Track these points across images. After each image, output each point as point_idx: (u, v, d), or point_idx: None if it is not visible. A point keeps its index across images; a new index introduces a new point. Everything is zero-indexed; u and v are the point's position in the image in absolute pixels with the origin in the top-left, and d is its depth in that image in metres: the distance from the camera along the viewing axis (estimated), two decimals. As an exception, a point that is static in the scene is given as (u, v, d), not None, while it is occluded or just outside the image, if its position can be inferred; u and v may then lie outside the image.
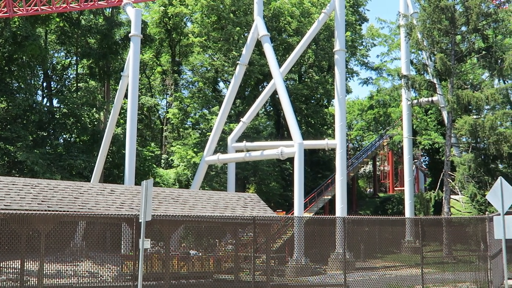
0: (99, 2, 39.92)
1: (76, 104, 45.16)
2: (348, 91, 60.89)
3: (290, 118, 35.30)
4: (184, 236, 30.47)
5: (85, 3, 39.69)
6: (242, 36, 50.32)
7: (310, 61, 57.92)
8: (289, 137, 40.03)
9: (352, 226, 26.07)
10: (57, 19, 47.44)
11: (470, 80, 43.25)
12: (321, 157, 56.73)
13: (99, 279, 22.52)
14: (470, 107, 38.80)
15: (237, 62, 41.73)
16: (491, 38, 38.50)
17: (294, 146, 34.51)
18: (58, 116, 45.65)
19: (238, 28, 49.63)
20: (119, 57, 48.88)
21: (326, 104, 61.76)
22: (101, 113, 47.90)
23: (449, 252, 32.29)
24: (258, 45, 42.36)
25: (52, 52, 52.55)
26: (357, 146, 76.39)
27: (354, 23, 58.34)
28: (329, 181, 47.66)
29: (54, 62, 53.65)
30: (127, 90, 37.15)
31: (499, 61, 37.11)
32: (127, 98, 37.60)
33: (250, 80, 51.22)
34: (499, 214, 19.57)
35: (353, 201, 54.43)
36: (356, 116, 73.86)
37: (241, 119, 42.87)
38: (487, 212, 29.61)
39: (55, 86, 52.66)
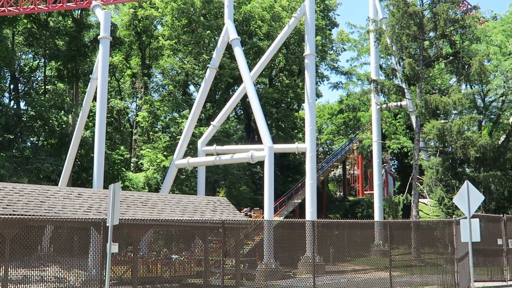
0: (67, 4, 39.45)
1: (44, 107, 44.53)
2: (318, 95, 61.19)
3: (260, 121, 35.29)
4: (154, 240, 30.20)
5: (53, 5, 39.18)
6: (213, 40, 50.22)
7: (281, 65, 58.10)
8: (259, 141, 40.05)
9: (321, 229, 26.13)
10: (25, 20, 46.77)
11: (438, 85, 43.82)
12: (291, 161, 56.88)
13: (66, 284, 22.17)
14: (438, 111, 39.30)
15: (208, 65, 41.61)
16: (459, 44, 39.03)
17: (264, 150, 34.50)
18: (25, 119, 44.95)
19: (208, 32, 49.52)
20: (88, 59, 48.38)
21: (297, 108, 61.99)
22: (70, 116, 47.31)
23: (417, 255, 32.55)
24: (229, 48, 42.31)
25: (19, 54, 51.76)
26: (327, 150, 76.84)
27: (324, 27, 58.70)
28: (299, 184, 47.80)
29: (21, 64, 52.85)
30: (96, 93, 36.75)
31: (466, 66, 37.65)
32: (96, 101, 37.19)
33: (220, 83, 51.13)
34: (466, 218, 19.81)
35: (323, 205, 54.66)
36: (326, 120, 74.25)
37: (212, 122, 42.74)
38: (454, 216, 30.00)
39: (23, 88, 51.87)
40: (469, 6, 42.16)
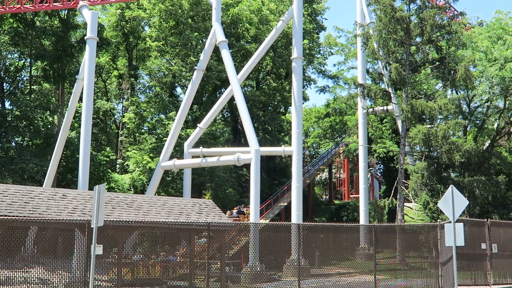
0: (54, 4, 39.23)
1: (29, 107, 44.18)
2: (305, 98, 61.32)
3: (247, 124, 35.29)
4: (139, 242, 30.08)
5: (40, 4, 38.95)
6: (200, 42, 50.17)
7: (268, 68, 58.13)
8: (246, 144, 40.04)
9: (307, 232, 26.16)
10: (11, 20, 46.39)
11: (424, 90, 44.09)
12: (278, 164, 56.91)
13: (50, 286, 22.00)
14: (423, 116, 39.52)
15: (195, 67, 41.53)
16: (445, 50, 39.28)
17: (251, 153, 34.51)
18: (10, 119, 44.58)
19: (196, 34, 49.46)
20: (74, 60, 48.09)
21: (283, 111, 62.07)
22: (55, 117, 47.00)
23: (402, 259, 32.70)
24: (216, 51, 42.28)
25: (5, 53, 51.31)
26: (313, 153, 76.90)
27: (312, 31, 58.83)
28: (286, 187, 47.82)
29: (7, 64, 52.37)
30: (82, 93, 36.58)
31: (452, 72, 37.89)
32: (82, 102, 37.01)
33: (207, 85, 51.07)
34: (450, 222, 19.93)
35: (309, 208, 54.72)
36: (313, 124, 74.39)
37: (198, 124, 42.66)
38: (439, 220, 30.13)
39: (8, 88, 51.41)
40: (455, 12, 42.43)
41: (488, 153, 39.19)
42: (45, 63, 47.75)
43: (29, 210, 19.88)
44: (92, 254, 16.52)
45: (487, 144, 43.96)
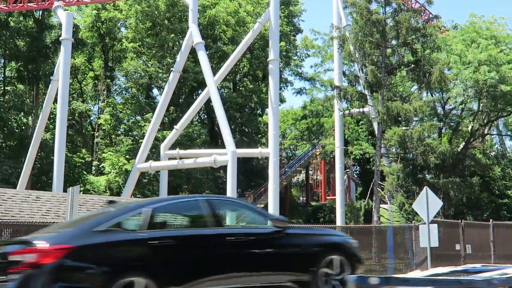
0: (29, 4, 38.82)
1: (3, 108, 43.66)
2: (282, 100, 61.38)
3: (224, 126, 35.21)
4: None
5: (14, 5, 38.51)
6: (177, 43, 49.96)
7: (245, 70, 58.12)
8: (223, 145, 39.93)
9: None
10: (-16, 20, 45.83)
11: (400, 93, 44.35)
12: (255, 166, 56.88)
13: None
14: (399, 118, 39.76)
15: (171, 69, 41.35)
16: (420, 52, 39.60)
17: (228, 154, 34.41)
18: (-17, 120, 44.04)
19: (172, 35, 49.26)
20: (49, 60, 47.61)
21: (260, 113, 62.04)
22: (30, 118, 46.47)
23: (378, 260, 32.86)
24: (193, 52, 42.14)
25: (-22, 53, 50.69)
26: (290, 155, 76.96)
27: (289, 33, 58.95)
28: (262, 189, 47.81)
29: (-20, 64, 51.74)
30: (57, 94, 36.21)
31: (427, 74, 38.17)
32: (57, 103, 36.64)
33: (184, 87, 50.87)
34: (425, 223, 20.10)
35: (286, 210, 54.73)
36: (290, 125, 74.41)
37: (175, 126, 42.46)
38: (414, 221, 30.38)
39: (-19, 89, 50.78)
40: (430, 16, 42.85)
41: (463, 155, 39.63)
42: (19, 63, 47.24)
43: (1, 213, 19.61)
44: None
45: (461, 146, 44.43)
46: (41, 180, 44.95)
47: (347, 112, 47.31)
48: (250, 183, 54.71)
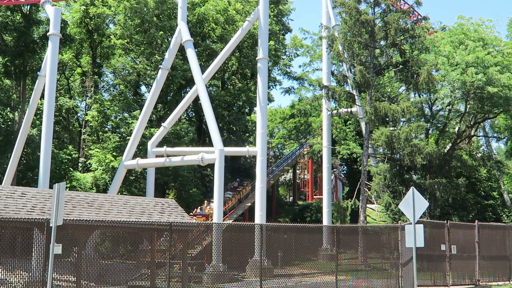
0: (16, -2, 38.50)
1: (-11, 103, 43.33)
2: (270, 99, 61.39)
3: (212, 124, 35.17)
4: (100, 242, 29.67)
5: (1, -1, 38.16)
6: (166, 41, 49.80)
7: (233, 68, 58.06)
8: (210, 143, 39.89)
9: (270, 233, 26.23)
10: (-29, 14, 45.41)
11: (388, 93, 44.57)
12: (242, 164, 56.86)
13: (8, 286, 21.54)
14: (387, 119, 39.97)
15: (160, 66, 41.21)
16: (408, 53, 39.79)
17: (215, 153, 34.39)
18: (-31, 115, 43.64)
19: (161, 32, 49.08)
20: (37, 56, 47.23)
21: (248, 111, 62.01)
22: (16, 113, 46.09)
23: (364, 260, 33.00)
24: (181, 50, 42.03)
25: (-36, 48, 50.17)
26: (278, 154, 77.09)
27: (278, 32, 58.98)
28: (250, 188, 47.78)
29: (-34, 59, 51.23)
30: (44, 90, 35.97)
31: (415, 75, 38.38)
32: (44, 99, 36.40)
33: (172, 85, 50.71)
34: (410, 223, 20.18)
35: (273, 209, 54.83)
36: (278, 125, 74.54)
37: (162, 124, 42.34)
38: (400, 221, 30.51)
39: (-33, 83, 50.31)
40: (419, 17, 43.05)
41: (449, 156, 39.84)
42: (6, 58, 46.80)
43: (-14, 209, 19.43)
44: (50, 254, 16.24)
45: (448, 147, 44.70)
46: (27, 176, 44.62)
47: (335, 111, 47.47)
48: (237, 181, 54.65)
